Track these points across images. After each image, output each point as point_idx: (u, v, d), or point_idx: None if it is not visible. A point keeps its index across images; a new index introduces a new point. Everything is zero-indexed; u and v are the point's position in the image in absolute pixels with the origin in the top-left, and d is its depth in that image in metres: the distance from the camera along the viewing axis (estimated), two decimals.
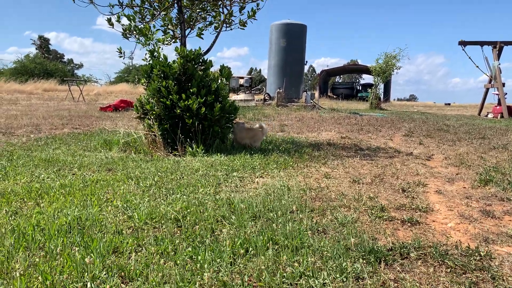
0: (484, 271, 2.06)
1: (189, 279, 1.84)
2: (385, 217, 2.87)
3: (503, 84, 18.92)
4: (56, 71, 42.43)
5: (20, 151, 5.05)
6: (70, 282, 1.78)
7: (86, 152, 5.19)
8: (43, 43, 66.96)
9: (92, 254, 2.04)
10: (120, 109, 12.49)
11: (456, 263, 2.14)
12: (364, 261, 2.12)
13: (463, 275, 2.03)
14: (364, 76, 79.01)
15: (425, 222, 2.84)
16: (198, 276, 1.87)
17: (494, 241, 2.52)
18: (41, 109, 11.98)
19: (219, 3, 6.31)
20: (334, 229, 2.59)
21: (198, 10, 6.22)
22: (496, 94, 19.66)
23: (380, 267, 2.08)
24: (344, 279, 1.92)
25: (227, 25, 6.56)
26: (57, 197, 3.10)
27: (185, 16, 6.20)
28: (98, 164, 4.37)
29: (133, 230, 2.48)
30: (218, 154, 5.06)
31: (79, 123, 8.90)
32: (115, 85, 38.41)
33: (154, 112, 5.21)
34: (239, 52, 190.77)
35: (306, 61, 20.32)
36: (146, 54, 5.65)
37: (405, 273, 2.04)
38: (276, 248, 2.24)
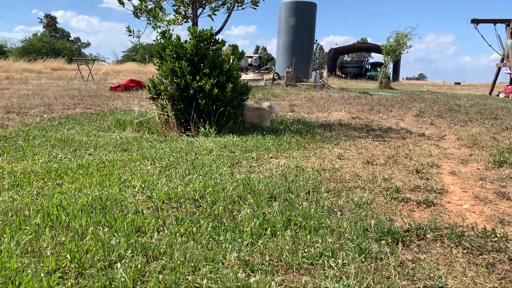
0: (500, 253, 2.09)
1: (212, 258, 1.89)
2: (400, 198, 2.90)
3: None
4: (63, 49, 42.37)
5: (35, 131, 5.11)
6: (97, 261, 1.83)
7: (100, 132, 5.25)
8: (50, 22, 66.78)
9: (116, 234, 2.10)
10: (130, 88, 12.51)
11: (472, 244, 2.17)
12: (382, 242, 2.16)
13: (480, 256, 2.06)
14: (373, 55, 78.18)
15: (440, 203, 2.86)
16: (221, 256, 1.92)
17: (509, 223, 2.54)
18: (51, 89, 12.04)
19: None
20: (350, 210, 2.63)
21: None
22: (508, 73, 19.40)
23: (398, 247, 2.11)
24: (363, 260, 1.96)
25: (239, 4, 6.50)
26: (76, 177, 3.15)
27: None
28: (113, 144, 4.42)
29: (153, 210, 2.53)
30: (231, 134, 5.09)
31: (90, 102, 8.94)
32: (123, 64, 38.38)
33: (167, 93, 5.23)
34: (247, 30, 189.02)
35: (316, 40, 20.11)
36: (157, 35, 5.63)
37: (422, 254, 2.08)
38: (294, 228, 2.28)
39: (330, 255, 1.97)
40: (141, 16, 6.37)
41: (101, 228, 2.16)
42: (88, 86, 13.91)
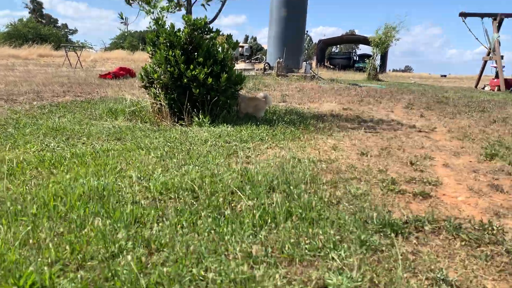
0: (498, 245, 2.12)
1: (214, 250, 1.88)
2: (396, 190, 2.92)
3: (502, 57, 18.85)
4: (50, 36, 41.52)
5: (25, 119, 5.02)
6: (98, 252, 1.81)
7: (92, 120, 5.17)
8: (36, 7, 65.39)
9: (115, 225, 2.07)
10: (119, 76, 12.35)
11: (470, 236, 2.19)
12: (382, 234, 2.18)
13: (478, 249, 2.09)
14: (360, 46, 78.28)
15: (435, 195, 2.89)
16: (223, 247, 1.91)
17: (505, 215, 2.58)
18: (39, 76, 11.82)
19: None
20: (348, 201, 2.63)
21: None
22: (494, 66, 19.61)
23: (398, 239, 2.13)
24: (365, 252, 1.97)
25: None
26: (71, 166, 3.11)
27: None
28: (106, 133, 4.37)
29: (150, 200, 2.51)
30: (225, 124, 5.06)
31: (80, 90, 8.81)
32: (111, 52, 37.76)
33: (160, 82, 5.17)
34: (236, 21, 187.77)
35: (307, 31, 20.06)
36: (150, 22, 5.55)
37: (421, 246, 2.10)
38: (295, 220, 2.28)
39: (332, 247, 1.98)
40: (133, 3, 6.27)
41: (100, 219, 2.13)
42: (77, 73, 13.70)
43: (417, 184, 3.10)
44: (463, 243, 2.15)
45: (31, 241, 1.88)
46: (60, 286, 1.55)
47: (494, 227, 2.31)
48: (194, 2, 6.15)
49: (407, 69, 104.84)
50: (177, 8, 6.41)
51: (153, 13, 5.63)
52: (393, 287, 1.70)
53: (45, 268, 1.64)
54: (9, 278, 1.56)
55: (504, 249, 2.08)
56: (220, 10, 6.22)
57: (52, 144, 3.79)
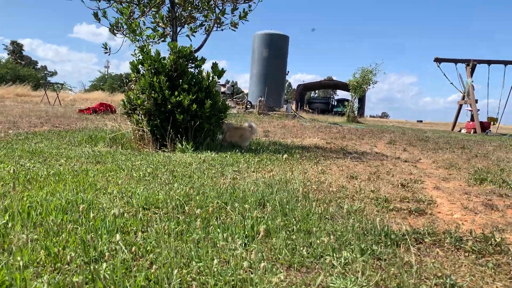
0: (504, 255, 2.02)
1: (205, 255, 1.72)
2: (391, 207, 2.82)
3: (476, 101, 19.48)
4: (29, 76, 41.22)
5: None
6: (77, 257, 1.63)
7: (70, 146, 4.98)
8: (16, 49, 65.35)
9: (95, 233, 1.90)
10: (99, 111, 12.19)
11: (473, 247, 2.08)
12: (382, 244, 2.05)
13: (483, 258, 1.98)
14: (338, 92, 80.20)
15: (431, 212, 2.80)
16: (214, 253, 1.76)
17: (504, 230, 2.49)
18: (16, 110, 11.56)
19: (211, 2, 6.24)
20: (342, 217, 2.51)
21: (189, 8, 6.12)
22: (470, 110, 20.20)
23: (399, 250, 2.01)
24: (366, 259, 1.83)
25: (218, 26, 6.49)
26: (47, 183, 2.92)
27: (176, 13, 6.10)
28: (85, 156, 4.18)
29: (134, 214, 2.34)
30: (208, 151, 4.94)
31: (58, 122, 8.60)
32: (91, 93, 37.63)
33: (143, 108, 5.06)
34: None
35: (288, 71, 20.47)
36: (135, 49, 5.51)
37: (424, 256, 1.98)
38: (288, 231, 2.14)
39: (332, 254, 1.84)
40: (117, 33, 6.26)
41: (78, 227, 1.95)
42: (55, 109, 13.47)
43: (411, 203, 3.01)
44: (466, 253, 2.04)
45: (1, 246, 1.69)
46: (33, 287, 1.36)
47: (496, 239, 2.21)
48: (179, 31, 6.17)
49: (384, 115, 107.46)
50: (162, 39, 6.41)
51: (138, 41, 5.60)
52: None
53: (16, 269, 1.45)
54: None
55: (510, 258, 1.97)
56: (205, 40, 6.24)
57: (28, 165, 3.59)
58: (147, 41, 5.59)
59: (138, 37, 5.50)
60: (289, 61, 21.90)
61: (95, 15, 6.00)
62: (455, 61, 20.49)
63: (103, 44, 6.20)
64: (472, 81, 19.79)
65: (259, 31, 19.94)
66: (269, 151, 5.37)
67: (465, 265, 1.89)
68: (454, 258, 1.97)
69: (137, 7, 6.00)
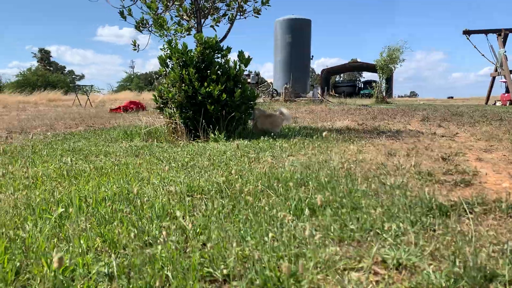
0: None
1: (254, 234, 1.74)
2: (434, 180, 2.76)
3: (510, 72, 18.78)
4: (58, 82, 42.44)
5: (40, 145, 4.96)
6: (131, 242, 1.68)
7: (107, 143, 5.10)
8: (44, 56, 67.26)
9: (144, 220, 1.94)
10: (129, 110, 12.42)
11: None
12: (431, 216, 2.01)
13: None
14: (364, 74, 78.91)
15: (477, 183, 2.73)
16: (263, 232, 1.77)
17: None
18: (50, 113, 11.92)
19: None
20: (386, 192, 2.48)
21: None
22: (504, 81, 19.53)
23: (449, 221, 1.97)
24: (417, 231, 1.81)
25: (241, 14, 6.47)
26: (92, 177, 3.00)
27: (199, 4, 6.12)
28: (123, 151, 4.28)
29: (179, 200, 2.38)
30: (241, 139, 4.96)
31: (92, 122, 8.82)
32: (118, 93, 38.42)
33: (175, 101, 5.11)
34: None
35: (312, 56, 20.27)
36: (163, 44, 5.56)
37: (476, 225, 1.93)
38: (334, 208, 2.13)
39: (381, 227, 1.82)
40: (143, 29, 6.34)
41: (128, 215, 2.00)
42: (87, 110, 13.81)
43: (455, 175, 2.94)
44: None
45: (58, 235, 1.75)
46: (95, 270, 1.41)
47: None
48: (203, 23, 6.19)
49: (413, 94, 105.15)
50: (187, 33, 6.45)
51: (166, 36, 5.65)
52: (458, 259, 1.53)
53: (77, 256, 1.50)
54: (40, 260, 1.42)
55: None
56: (229, 30, 6.25)
57: (70, 162, 3.70)
58: (175, 35, 5.64)
59: (166, 32, 5.55)
60: (312, 46, 21.68)
61: (121, 13, 6.08)
62: (486, 32, 19.80)
63: (132, 41, 6.30)
64: (505, 52, 19.09)
65: (280, 17, 19.77)
66: (301, 135, 5.34)
67: None
68: (508, 226, 1.92)
69: (161, 2, 6.05)
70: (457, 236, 1.71)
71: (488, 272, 1.39)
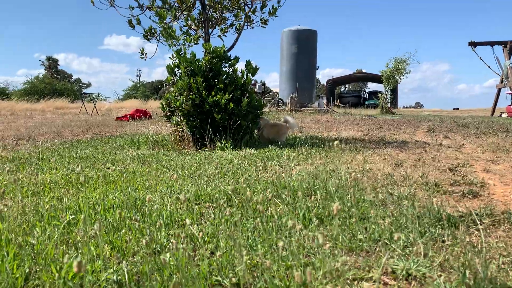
0: None
1: (262, 243, 1.73)
2: (442, 191, 2.75)
3: None
4: (65, 90, 42.68)
5: (48, 152, 4.99)
6: (140, 249, 1.68)
7: (114, 151, 5.12)
8: (52, 64, 67.76)
9: (152, 227, 1.94)
10: (136, 118, 12.48)
11: None
12: (439, 227, 2.01)
13: None
14: (369, 85, 78.92)
15: (485, 194, 2.71)
16: (271, 241, 1.76)
17: None
18: (57, 121, 12.00)
19: (241, 1, 6.28)
20: (393, 202, 2.47)
21: (219, 7, 6.18)
22: (509, 93, 19.48)
23: (458, 232, 1.96)
24: (425, 242, 1.80)
25: (248, 24, 6.52)
26: (99, 184, 3.01)
27: (207, 14, 6.17)
28: (130, 159, 4.29)
29: (187, 208, 2.38)
30: (247, 148, 4.97)
31: (98, 130, 8.86)
32: (124, 102, 38.63)
33: (182, 109, 5.14)
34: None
35: (318, 66, 20.31)
36: (172, 53, 5.61)
37: (485, 237, 1.92)
38: (342, 217, 2.12)
39: (389, 237, 1.81)
40: (151, 38, 6.39)
41: (136, 223, 2.01)
42: (93, 118, 13.89)
43: (462, 186, 2.93)
44: None
45: (67, 242, 1.76)
46: (104, 277, 1.41)
47: None
48: (211, 32, 6.24)
49: (418, 105, 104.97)
50: (195, 42, 6.50)
51: (175, 45, 5.70)
52: (469, 270, 1.52)
53: (85, 262, 1.51)
54: (50, 267, 1.43)
55: None
56: (237, 39, 6.29)
57: (78, 169, 3.72)
58: (184, 44, 5.69)
59: (175, 42, 5.60)
60: (317, 56, 21.77)
61: (130, 22, 6.14)
62: (491, 44, 19.81)
63: (139, 49, 6.35)
64: (511, 63, 19.06)
65: (287, 27, 19.88)
66: (307, 145, 5.35)
67: None
68: None
69: (169, 11, 6.10)
70: (467, 247, 1.70)
71: (498, 284, 1.38)
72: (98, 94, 21.76)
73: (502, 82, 19.78)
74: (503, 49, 19.64)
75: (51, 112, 21.54)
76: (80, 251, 1.60)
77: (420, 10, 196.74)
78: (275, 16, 6.41)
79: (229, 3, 6.30)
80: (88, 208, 2.25)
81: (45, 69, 64.84)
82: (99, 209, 2.24)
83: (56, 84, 44.74)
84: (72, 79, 70.90)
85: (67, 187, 2.95)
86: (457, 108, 54.20)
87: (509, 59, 19.35)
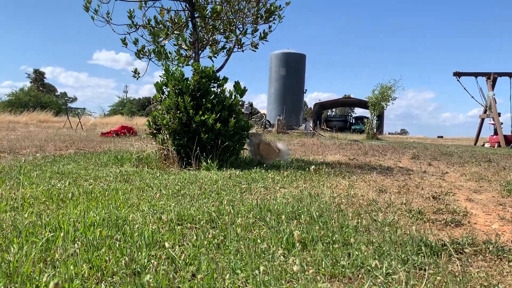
0: None
1: (245, 267, 1.71)
2: (425, 219, 2.77)
3: (499, 114, 19.15)
4: (50, 103, 42.23)
5: (29, 166, 4.90)
6: (119, 270, 1.64)
7: (97, 167, 5.06)
8: (38, 77, 67.17)
9: (134, 247, 1.91)
10: (121, 134, 12.39)
11: None
12: (421, 255, 2.01)
13: None
14: (356, 110, 79.96)
15: (467, 223, 2.74)
16: (254, 265, 1.74)
17: None
18: (41, 135, 11.83)
19: (232, 24, 6.36)
20: (377, 229, 2.48)
21: (210, 28, 6.24)
22: (492, 123, 19.87)
23: (440, 259, 1.96)
24: (407, 270, 1.80)
25: (239, 47, 6.59)
26: (80, 201, 2.96)
27: (198, 35, 6.22)
28: (113, 176, 4.24)
29: (169, 229, 2.35)
30: (233, 169, 4.95)
31: (82, 145, 8.76)
32: (110, 117, 38.41)
33: (169, 128, 5.12)
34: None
35: (306, 90, 20.55)
36: (163, 73, 5.63)
37: (466, 267, 1.93)
38: (325, 243, 2.11)
39: (372, 265, 1.81)
40: (142, 57, 6.42)
41: (117, 242, 1.96)
42: (78, 133, 13.74)
43: (445, 215, 2.95)
44: (510, 263, 1.98)
45: (45, 259, 1.71)
46: None
47: None
48: (201, 53, 6.28)
49: (403, 131, 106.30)
50: (185, 62, 6.53)
51: (169, 65, 5.73)
52: None
53: (63, 281, 1.47)
54: (25, 287, 1.39)
55: None
56: (226, 60, 6.34)
57: (59, 185, 3.65)
58: (179, 64, 5.72)
59: (168, 63, 5.63)
60: (306, 80, 22.10)
61: (123, 40, 6.16)
62: (475, 75, 20.29)
63: (132, 70, 6.37)
64: (494, 94, 19.52)
65: (276, 50, 20.15)
66: (292, 168, 5.36)
67: (511, 275, 1.84)
68: (498, 268, 1.92)
69: (162, 31, 6.14)
70: (448, 277, 1.70)
71: None
72: (84, 108, 21.59)
73: (485, 112, 20.20)
74: (487, 80, 20.12)
75: (34, 125, 21.25)
76: (58, 269, 1.56)
77: (406, 38, 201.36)
78: (265, 40, 6.49)
79: (221, 26, 6.37)
80: (68, 225, 2.20)
81: (30, 82, 64.17)
82: (79, 227, 2.19)
83: (41, 97, 44.26)
84: (58, 93, 70.27)
85: (47, 203, 2.89)
86: (441, 136, 55.05)
87: (492, 91, 19.83)
